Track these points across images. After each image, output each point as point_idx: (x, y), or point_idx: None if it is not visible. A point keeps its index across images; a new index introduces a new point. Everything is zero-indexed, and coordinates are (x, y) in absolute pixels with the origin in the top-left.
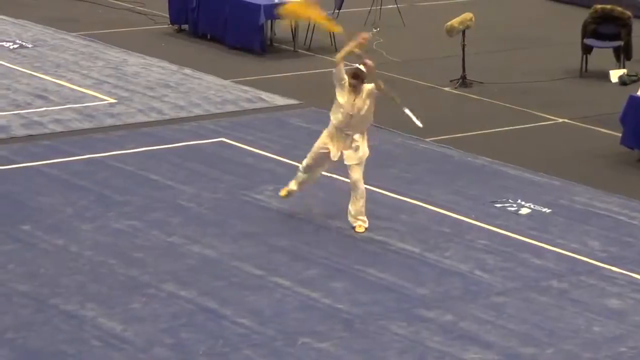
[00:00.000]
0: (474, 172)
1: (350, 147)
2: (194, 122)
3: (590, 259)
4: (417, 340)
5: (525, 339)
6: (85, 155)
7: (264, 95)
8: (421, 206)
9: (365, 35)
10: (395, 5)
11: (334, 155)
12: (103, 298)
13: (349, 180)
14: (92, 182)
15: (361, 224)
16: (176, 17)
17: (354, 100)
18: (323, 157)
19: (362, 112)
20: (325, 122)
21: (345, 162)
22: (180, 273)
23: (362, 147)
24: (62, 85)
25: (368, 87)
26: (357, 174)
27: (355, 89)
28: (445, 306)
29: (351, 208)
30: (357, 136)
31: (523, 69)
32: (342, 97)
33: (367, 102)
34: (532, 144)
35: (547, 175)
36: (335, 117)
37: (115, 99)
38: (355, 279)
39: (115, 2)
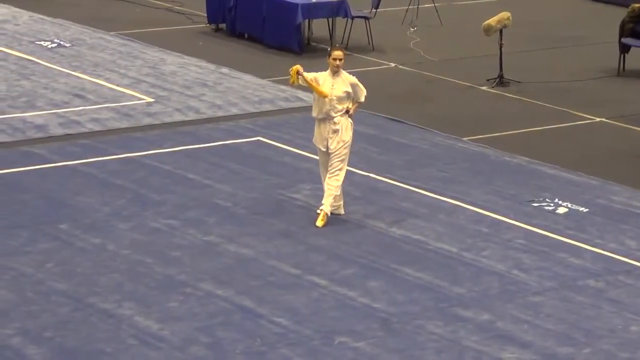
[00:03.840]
0: (511, 171)
1: (332, 132)
2: (231, 121)
3: (628, 258)
4: (454, 339)
5: (562, 338)
6: (122, 154)
7: (302, 94)
8: (459, 205)
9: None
10: (433, 4)
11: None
12: (140, 297)
13: (378, 177)
14: (129, 181)
15: (322, 210)
16: (214, 16)
17: (332, 85)
18: (324, 156)
19: (339, 94)
20: (363, 120)
21: (330, 146)
22: (217, 272)
23: (347, 131)
24: (100, 85)
25: (346, 74)
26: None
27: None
28: (483, 305)
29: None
30: (337, 119)
31: (560, 68)
32: (318, 90)
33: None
34: (569, 143)
35: (585, 175)
36: (315, 110)
37: (152, 98)
38: (392, 278)
39: (153, 1)
